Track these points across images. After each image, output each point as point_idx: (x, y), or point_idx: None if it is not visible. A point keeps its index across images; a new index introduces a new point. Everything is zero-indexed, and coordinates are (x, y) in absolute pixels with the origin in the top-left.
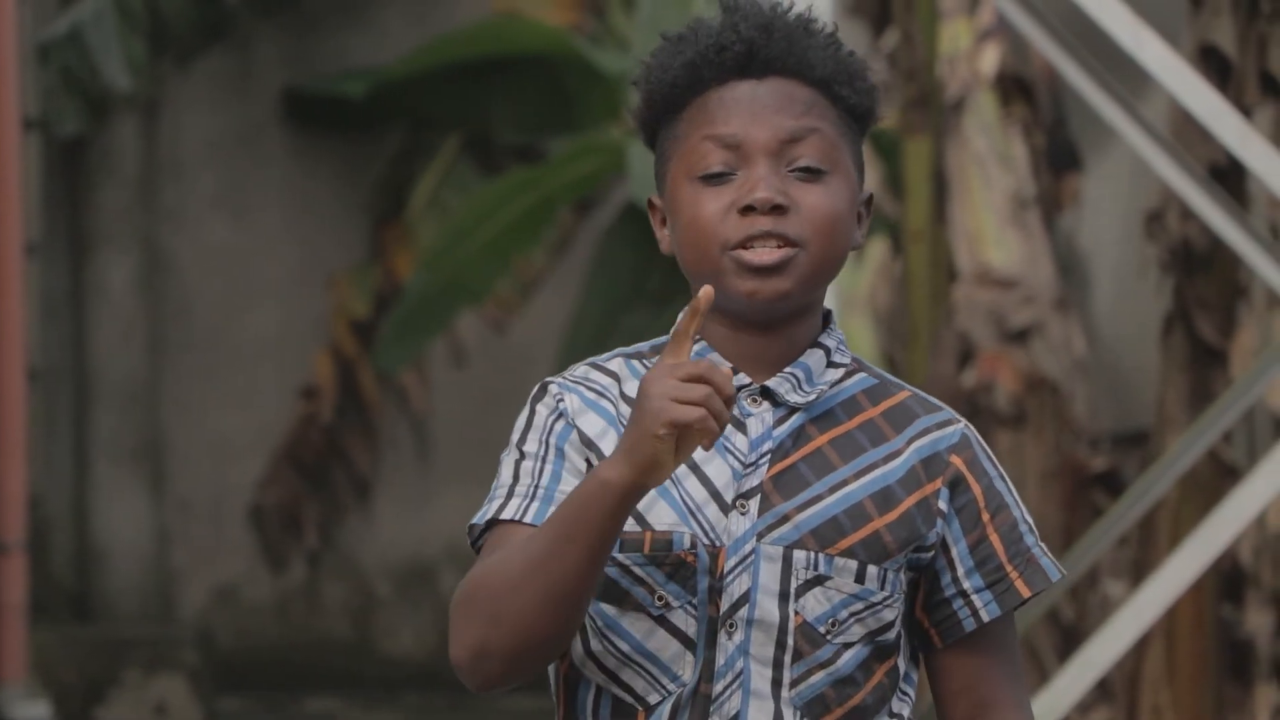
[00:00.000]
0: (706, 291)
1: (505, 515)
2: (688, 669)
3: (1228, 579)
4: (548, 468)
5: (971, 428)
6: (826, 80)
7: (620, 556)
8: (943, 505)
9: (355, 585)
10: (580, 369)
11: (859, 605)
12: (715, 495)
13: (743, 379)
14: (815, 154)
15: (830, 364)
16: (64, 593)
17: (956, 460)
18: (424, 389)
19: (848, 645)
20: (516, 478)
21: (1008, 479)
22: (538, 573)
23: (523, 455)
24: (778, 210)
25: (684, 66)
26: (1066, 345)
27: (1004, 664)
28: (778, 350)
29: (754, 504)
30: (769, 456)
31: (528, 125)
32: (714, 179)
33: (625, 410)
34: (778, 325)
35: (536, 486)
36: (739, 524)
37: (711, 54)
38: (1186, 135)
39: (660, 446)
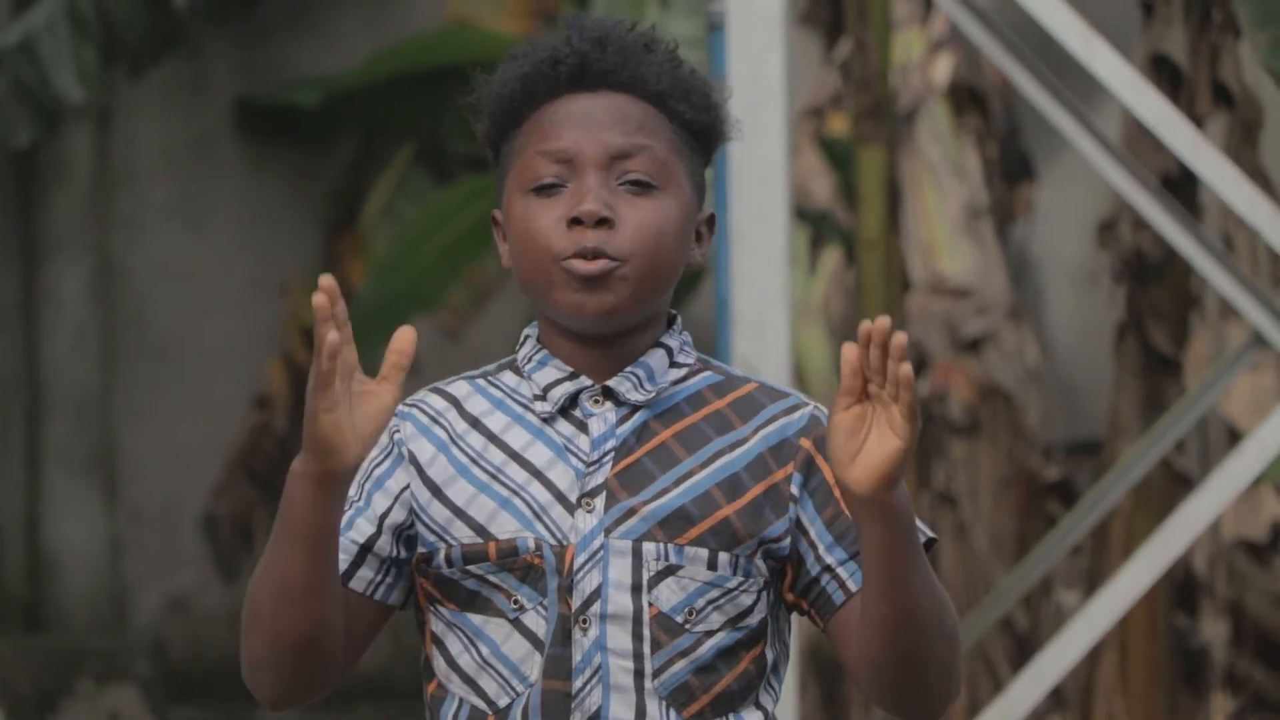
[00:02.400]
0: (404, 333)
1: None
2: (535, 669)
3: (1180, 588)
4: (349, 513)
5: (822, 409)
6: (662, 95)
7: (473, 568)
8: (794, 489)
9: None
10: (421, 393)
11: (715, 593)
12: (560, 497)
13: (583, 381)
14: (645, 169)
15: (673, 364)
16: (16, 603)
17: (805, 443)
18: None
19: (709, 633)
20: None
21: None
22: (269, 574)
23: (347, 496)
24: (603, 224)
25: (519, 80)
26: (1020, 354)
27: None
28: (618, 357)
29: (599, 501)
30: (612, 454)
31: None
32: (545, 190)
33: (462, 429)
34: (615, 338)
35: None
36: (585, 521)
37: (546, 67)
38: (1139, 145)
39: (321, 421)
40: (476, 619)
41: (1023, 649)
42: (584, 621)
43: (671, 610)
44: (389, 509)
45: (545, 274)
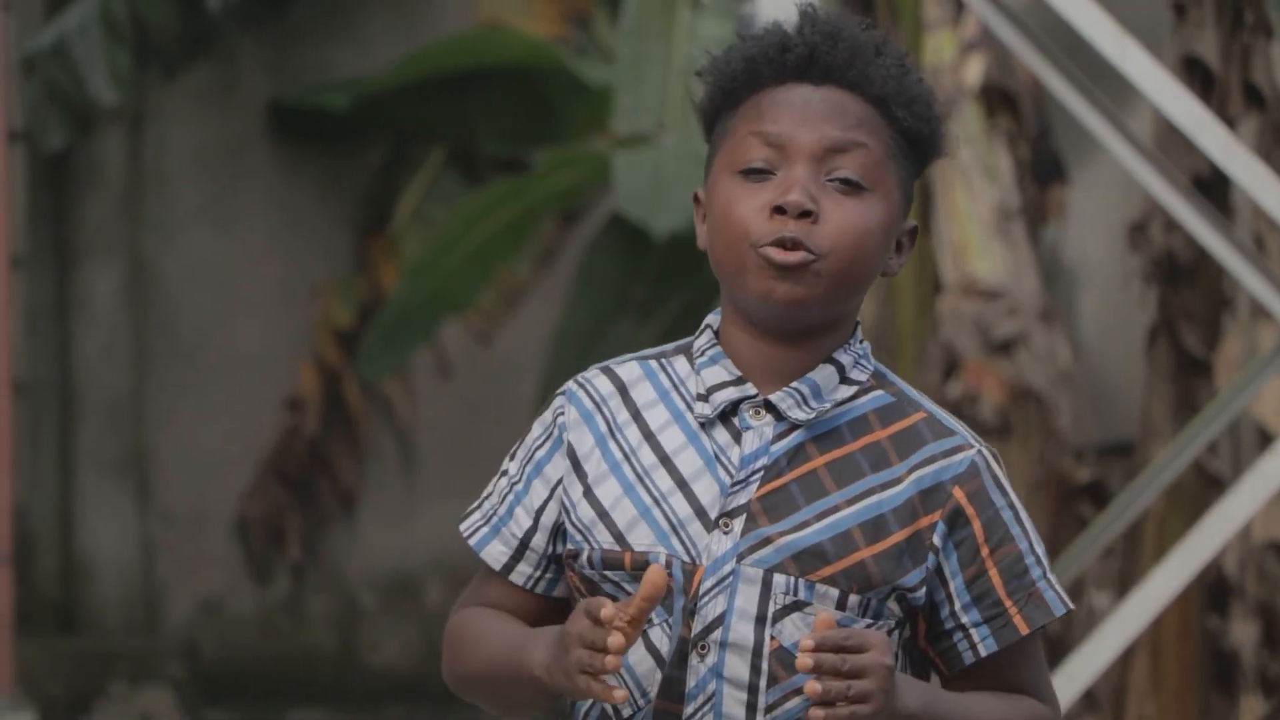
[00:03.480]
0: (656, 575)
1: (462, 526)
2: (654, 686)
3: (1213, 590)
4: (509, 498)
5: (988, 453)
6: (884, 98)
7: (610, 573)
8: (937, 540)
9: (340, 597)
10: (593, 370)
11: None
12: (700, 512)
13: (748, 389)
14: (856, 168)
15: (844, 380)
16: (49, 605)
17: (958, 492)
18: (409, 401)
19: None
20: (490, 493)
21: (1019, 509)
22: (483, 681)
23: (505, 471)
24: (805, 216)
25: (745, 61)
26: (1051, 356)
27: (1023, 685)
28: (794, 363)
29: (738, 524)
30: (761, 474)
31: (512, 137)
32: (753, 174)
33: (623, 419)
34: (797, 337)
35: (494, 514)
36: (720, 544)
37: (773, 52)
38: (1170, 146)
39: (570, 686)
40: None
41: (1055, 651)
42: (703, 647)
43: (793, 646)
44: (545, 503)
45: (740, 257)
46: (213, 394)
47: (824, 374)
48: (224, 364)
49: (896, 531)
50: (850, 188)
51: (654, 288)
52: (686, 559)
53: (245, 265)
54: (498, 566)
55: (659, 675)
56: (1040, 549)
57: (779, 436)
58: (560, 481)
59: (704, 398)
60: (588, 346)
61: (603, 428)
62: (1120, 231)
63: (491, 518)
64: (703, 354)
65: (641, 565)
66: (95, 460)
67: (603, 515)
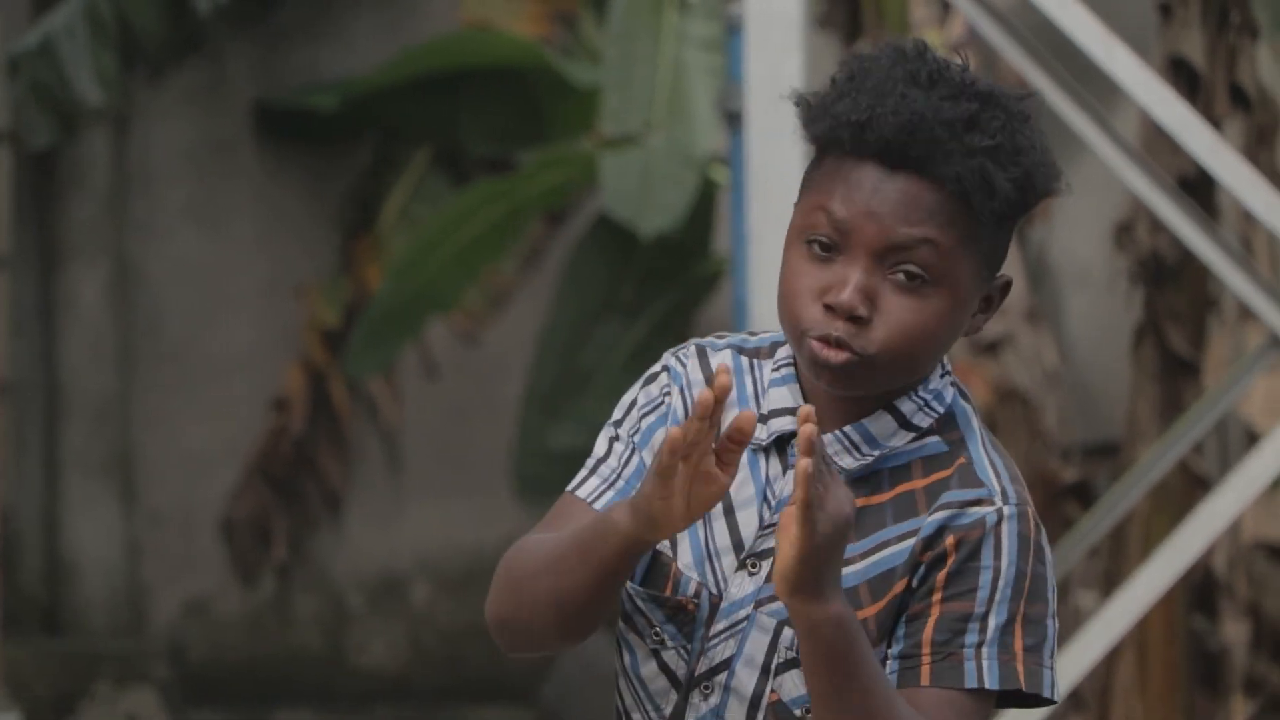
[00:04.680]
0: (747, 417)
1: (581, 493)
2: (669, 706)
3: (1198, 590)
4: (634, 459)
5: (1010, 513)
6: (965, 191)
7: (629, 585)
8: (914, 581)
9: (326, 598)
10: (690, 349)
11: None
12: (737, 545)
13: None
14: (923, 262)
15: (905, 426)
16: (34, 606)
17: (950, 540)
18: (395, 401)
19: None
20: (606, 455)
21: (1006, 578)
22: (551, 575)
23: (617, 435)
24: (855, 320)
25: (828, 125)
26: (1038, 357)
27: None
28: (856, 404)
29: (765, 566)
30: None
31: (498, 137)
32: (821, 248)
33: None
34: None
35: (618, 476)
36: (743, 586)
37: (849, 131)
38: (1156, 147)
39: (655, 505)
40: (620, 624)
41: None
42: (707, 687)
43: (791, 702)
44: None
45: (794, 334)
46: (198, 394)
47: (880, 422)
48: (210, 364)
49: (896, 584)
50: (913, 281)
51: (641, 288)
52: (714, 591)
53: (231, 265)
54: None
55: (674, 696)
56: (998, 622)
57: None
58: None
59: (764, 420)
60: (574, 347)
61: (681, 415)
62: (1106, 232)
63: (614, 480)
64: (778, 369)
65: (674, 586)
66: (80, 461)
67: None
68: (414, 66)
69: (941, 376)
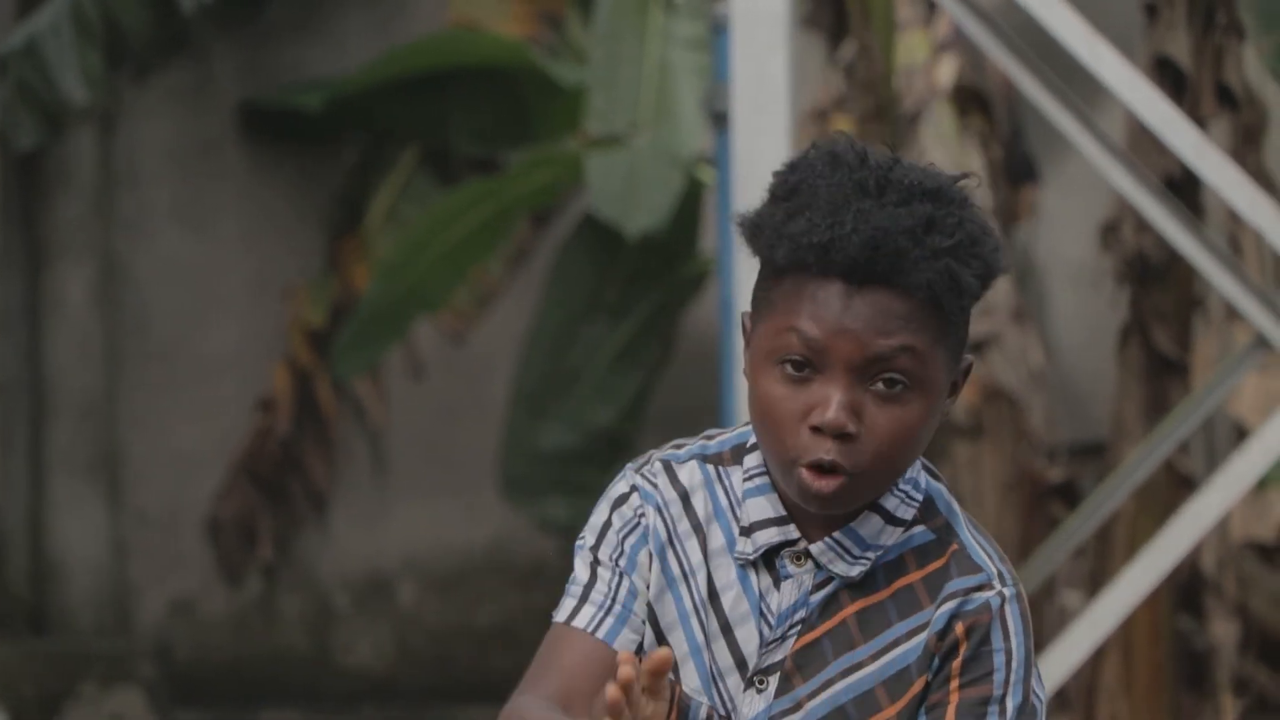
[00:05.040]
0: (664, 656)
1: (578, 623)
2: None
3: (1184, 589)
4: (624, 583)
5: (1010, 596)
6: (935, 297)
7: None
8: (930, 675)
9: (312, 598)
10: (656, 467)
11: None
12: (740, 664)
13: (790, 533)
14: (901, 371)
15: (891, 521)
16: (20, 605)
17: (960, 628)
18: (381, 401)
19: None
20: (592, 579)
21: (1017, 658)
22: None
23: (598, 560)
24: (844, 438)
25: (788, 249)
26: (1024, 356)
27: None
28: (821, 523)
29: (773, 682)
30: (799, 628)
31: (485, 137)
32: (794, 368)
33: (684, 530)
34: None
35: (613, 601)
36: (753, 705)
37: (813, 253)
38: (1142, 147)
39: None
40: None
41: None
42: None
43: None
44: (647, 588)
45: (778, 459)
46: (185, 394)
47: (869, 524)
48: (196, 364)
49: (915, 681)
50: (893, 391)
51: (626, 288)
52: (722, 713)
53: (218, 265)
54: (632, 649)
55: None
56: (1015, 704)
57: (818, 585)
58: (646, 576)
59: (747, 533)
60: (560, 347)
61: (664, 535)
62: (1092, 232)
63: (610, 606)
64: (750, 479)
65: (683, 712)
66: (67, 461)
67: (660, 638)
68: (401, 66)
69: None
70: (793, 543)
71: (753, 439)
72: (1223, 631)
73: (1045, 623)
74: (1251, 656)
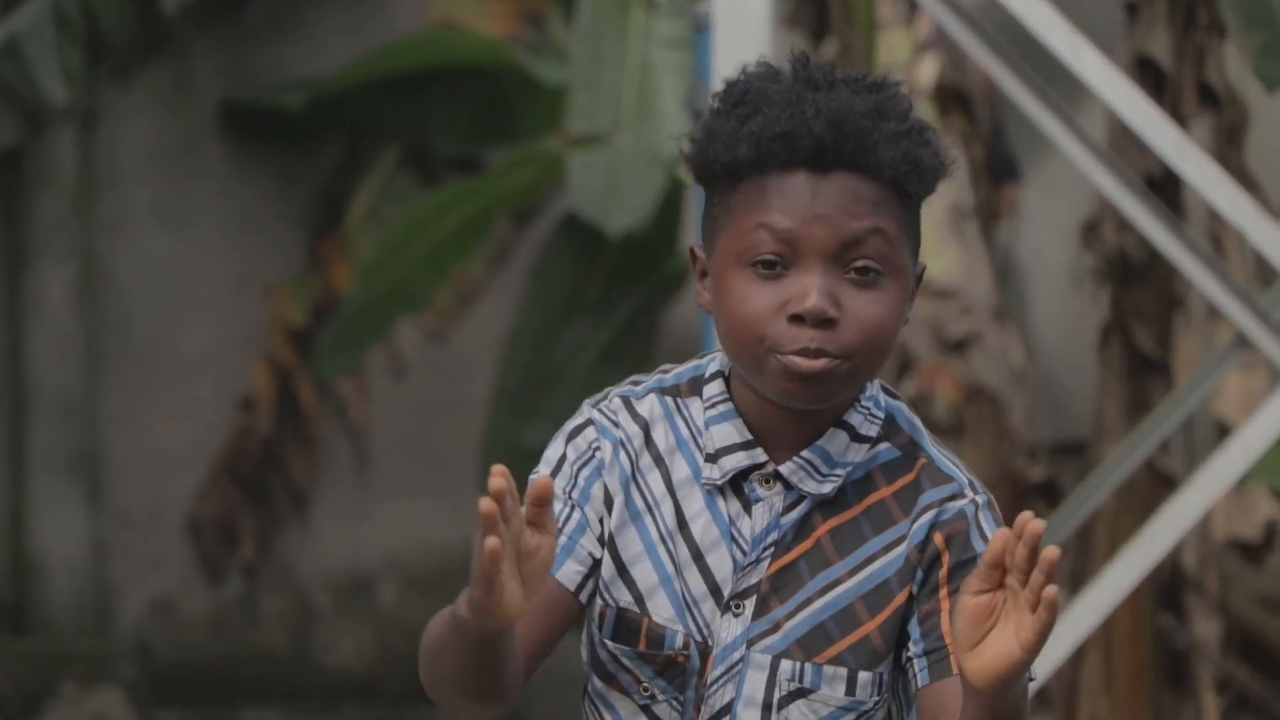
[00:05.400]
0: (543, 484)
1: None
2: None
3: (1165, 588)
4: (575, 514)
5: (982, 503)
6: (897, 179)
7: (610, 645)
8: (914, 587)
9: (293, 597)
10: (616, 403)
11: (849, 716)
12: (714, 590)
13: (758, 456)
14: (874, 256)
15: (856, 438)
16: (0, 605)
17: (939, 539)
18: (363, 400)
19: None
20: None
21: None
22: (443, 661)
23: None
24: (827, 324)
25: (750, 146)
26: (1005, 355)
27: None
28: (806, 429)
29: (749, 605)
30: (772, 550)
31: (466, 136)
32: (765, 267)
33: (645, 464)
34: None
35: (560, 533)
36: (730, 628)
37: (778, 144)
38: (1123, 146)
39: (493, 603)
40: (600, 685)
41: None
42: None
43: None
44: (601, 520)
45: (757, 359)
46: (165, 394)
47: (835, 441)
48: (177, 363)
49: (897, 594)
50: (868, 276)
51: (608, 287)
52: (699, 639)
53: (198, 265)
54: (573, 586)
55: None
56: None
57: (789, 507)
58: (601, 510)
59: (713, 459)
60: (542, 346)
61: (628, 470)
62: (1073, 231)
63: (557, 537)
64: (713, 405)
65: (655, 643)
66: (47, 460)
67: (623, 570)
68: (382, 65)
69: (872, 386)
70: (760, 466)
71: (710, 369)
72: (1204, 630)
73: None
74: (1233, 656)
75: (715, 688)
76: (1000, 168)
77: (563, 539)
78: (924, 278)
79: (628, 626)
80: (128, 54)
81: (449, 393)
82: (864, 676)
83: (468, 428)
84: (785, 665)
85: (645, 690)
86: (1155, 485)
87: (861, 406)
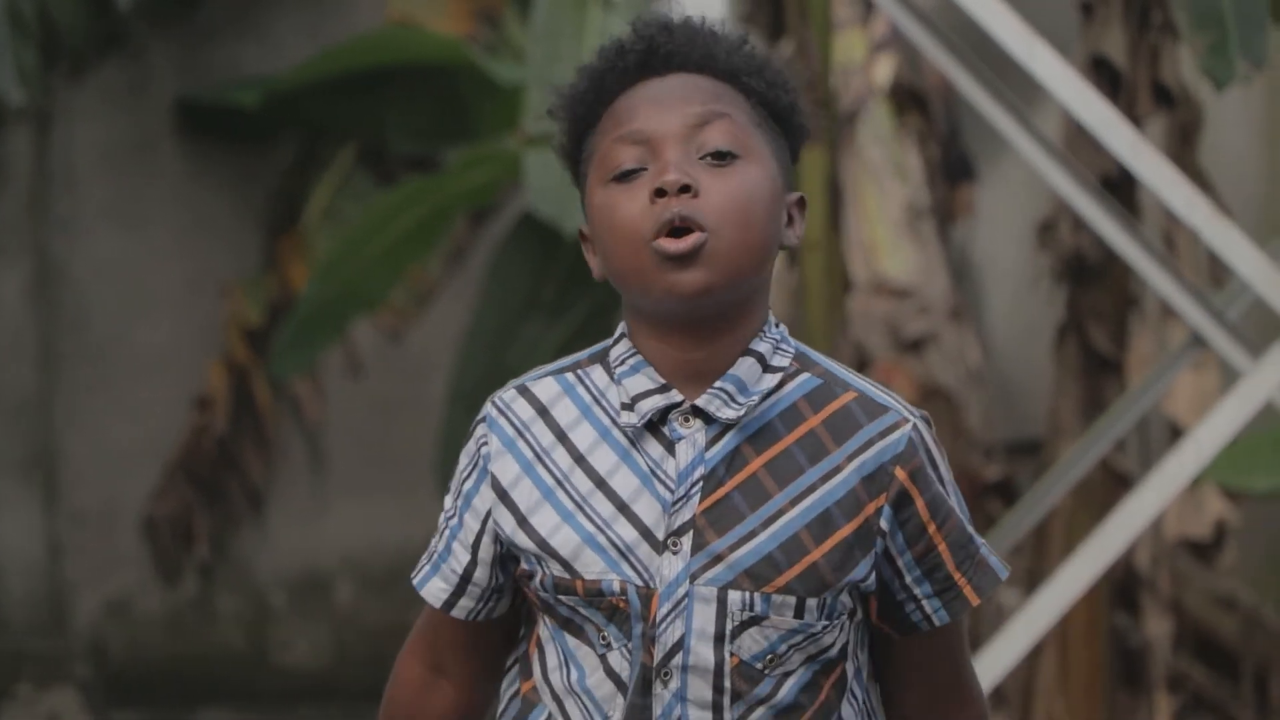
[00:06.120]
0: None
1: (413, 576)
2: (617, 711)
3: (1120, 587)
4: (447, 534)
5: (922, 424)
6: (734, 72)
7: (565, 598)
8: (884, 524)
9: (249, 597)
10: (510, 393)
11: (799, 638)
12: (646, 534)
13: (674, 396)
14: (724, 138)
15: (767, 369)
16: None
17: (900, 473)
18: (318, 399)
19: (788, 674)
20: (436, 532)
21: (949, 478)
22: None
23: (444, 508)
24: (685, 191)
25: (589, 78)
26: (961, 355)
27: (960, 654)
28: (713, 362)
29: (686, 541)
30: (700, 485)
31: (423, 135)
32: (627, 176)
33: (548, 443)
34: (711, 333)
35: (434, 552)
36: (671, 566)
37: (614, 59)
38: (1079, 146)
39: None
40: (571, 641)
41: None
42: (665, 674)
43: (753, 659)
44: (479, 536)
45: (636, 259)
46: (121, 393)
47: (745, 367)
48: (132, 363)
49: (844, 525)
50: (723, 159)
51: (565, 287)
52: (640, 583)
53: (154, 264)
54: (438, 604)
55: (620, 700)
56: (967, 514)
57: (712, 442)
58: (489, 514)
59: (629, 407)
60: (498, 345)
61: (528, 454)
62: (1029, 231)
63: (433, 555)
64: (622, 362)
65: (595, 593)
66: (1, 460)
67: (543, 545)
68: (338, 64)
69: (777, 326)
70: (677, 405)
71: (612, 341)
72: (1157, 629)
73: (982, 621)
74: (1187, 654)
75: (665, 625)
76: (956, 167)
77: (435, 558)
78: (806, 208)
79: (566, 590)
80: (82, 53)
81: (405, 392)
82: (811, 602)
83: (424, 427)
84: (735, 596)
85: (604, 640)
86: (1111, 484)
87: (769, 336)
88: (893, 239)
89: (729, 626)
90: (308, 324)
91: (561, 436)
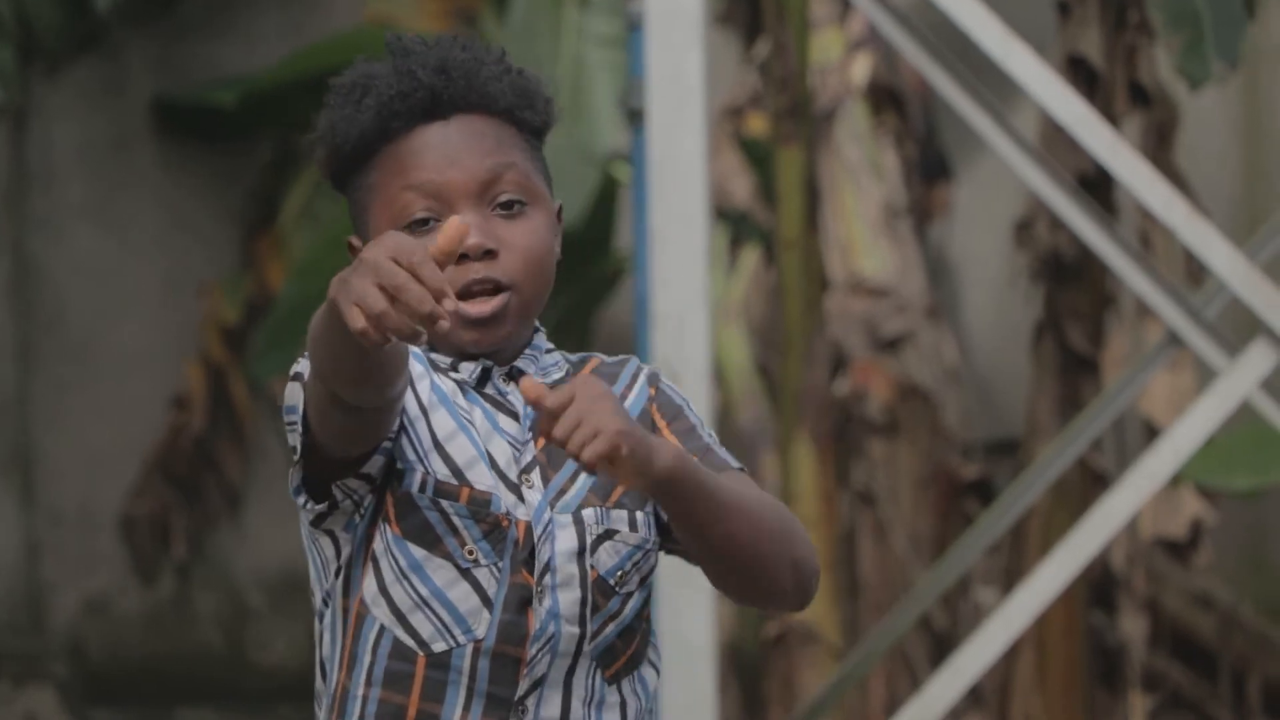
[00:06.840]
0: (456, 226)
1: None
2: (483, 627)
3: (1097, 586)
4: None
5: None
6: (510, 109)
7: (443, 503)
8: (659, 420)
9: (227, 596)
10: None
11: (638, 555)
12: (502, 475)
13: (486, 362)
14: (514, 188)
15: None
16: None
17: (652, 389)
18: None
19: (629, 595)
20: None
21: (686, 399)
22: (320, 343)
23: None
24: (489, 255)
25: (371, 116)
26: (938, 354)
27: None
28: (503, 358)
29: (536, 477)
30: (532, 431)
31: None
32: (420, 225)
33: (438, 362)
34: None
35: None
36: (531, 496)
37: (396, 103)
38: (1055, 145)
39: (349, 316)
40: (418, 553)
41: (941, 647)
42: (540, 592)
43: (607, 574)
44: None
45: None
46: (98, 392)
47: (538, 339)
48: (109, 362)
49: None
50: (513, 209)
51: None
52: (509, 511)
53: (131, 263)
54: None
55: (486, 615)
56: (710, 429)
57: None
58: (410, 381)
59: (455, 367)
60: None
61: (426, 363)
62: (1006, 230)
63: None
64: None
65: (481, 504)
66: None
67: (438, 445)
68: (315, 63)
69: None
70: (496, 368)
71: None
72: (1133, 628)
73: (960, 620)
74: (1163, 653)
75: (537, 547)
76: (933, 166)
77: None
78: (562, 214)
79: (448, 495)
80: (59, 51)
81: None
82: (640, 516)
83: None
84: (589, 512)
85: (470, 554)
86: (1088, 483)
87: (539, 334)
88: (870, 238)
89: (589, 540)
90: (285, 324)
91: (436, 367)
